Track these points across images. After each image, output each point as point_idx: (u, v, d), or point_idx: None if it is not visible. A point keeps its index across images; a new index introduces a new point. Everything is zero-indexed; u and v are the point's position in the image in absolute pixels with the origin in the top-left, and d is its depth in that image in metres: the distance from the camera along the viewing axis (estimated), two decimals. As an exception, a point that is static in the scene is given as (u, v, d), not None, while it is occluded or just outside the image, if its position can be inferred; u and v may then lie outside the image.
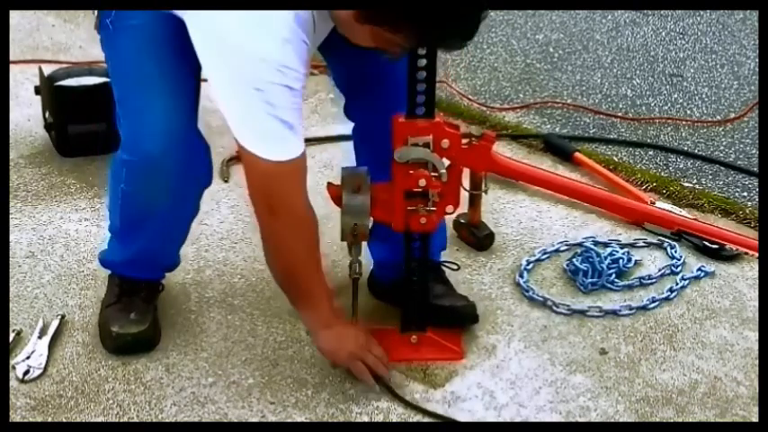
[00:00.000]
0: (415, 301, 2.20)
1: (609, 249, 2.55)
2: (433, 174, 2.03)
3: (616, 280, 2.47)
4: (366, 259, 2.22)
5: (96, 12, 2.10)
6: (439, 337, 2.22)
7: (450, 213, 2.12)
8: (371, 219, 2.10)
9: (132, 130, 2.05)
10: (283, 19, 1.81)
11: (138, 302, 2.24)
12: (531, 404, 2.08)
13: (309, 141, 3.14)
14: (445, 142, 2.03)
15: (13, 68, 3.46)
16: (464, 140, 2.09)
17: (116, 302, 2.25)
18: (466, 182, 2.29)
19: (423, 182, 2.03)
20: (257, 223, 2.00)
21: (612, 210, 2.77)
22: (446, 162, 2.06)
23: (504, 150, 3.14)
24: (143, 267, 2.26)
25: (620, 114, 3.51)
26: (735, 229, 2.68)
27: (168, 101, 2.03)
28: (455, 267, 2.37)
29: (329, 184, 2.10)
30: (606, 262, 2.48)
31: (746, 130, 3.41)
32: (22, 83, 3.46)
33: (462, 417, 2.05)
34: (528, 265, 2.53)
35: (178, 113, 2.04)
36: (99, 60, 3.54)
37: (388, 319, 2.26)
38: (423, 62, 1.99)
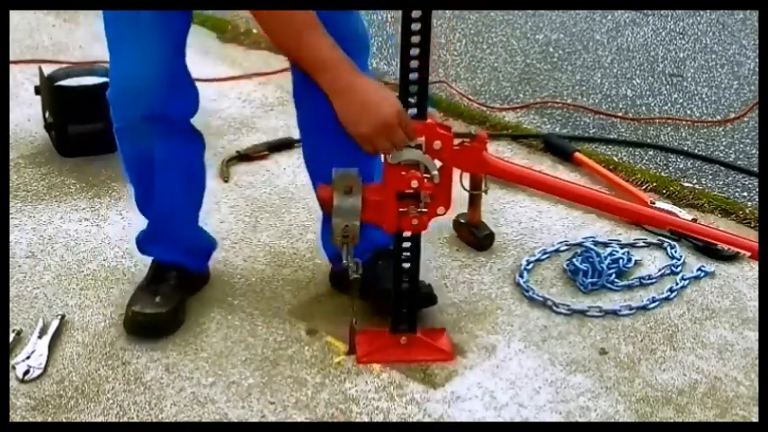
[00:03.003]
0: (404, 302, 2.20)
1: (609, 249, 2.55)
2: (425, 175, 2.03)
3: (616, 280, 2.47)
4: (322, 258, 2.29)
5: None
6: (428, 338, 2.22)
7: (441, 215, 2.11)
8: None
9: (112, 67, 2.13)
10: None
11: (165, 288, 2.29)
12: (531, 404, 2.08)
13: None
14: (437, 144, 2.03)
15: (13, 68, 3.47)
16: (457, 141, 2.09)
17: (147, 285, 2.31)
18: (466, 182, 2.29)
19: (415, 183, 2.03)
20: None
21: (607, 211, 2.75)
22: (438, 163, 2.06)
23: (505, 150, 3.14)
24: (165, 242, 2.32)
25: (620, 114, 3.51)
26: (735, 230, 2.68)
27: (148, 39, 2.07)
28: None
29: (319, 185, 2.10)
30: (606, 262, 2.48)
31: (746, 130, 3.41)
32: (22, 83, 3.46)
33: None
34: (528, 265, 2.53)
35: (158, 49, 2.09)
36: (99, 60, 3.55)
37: (387, 319, 2.25)
38: (415, 63, 1.99)
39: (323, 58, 1.93)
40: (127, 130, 2.18)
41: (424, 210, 2.07)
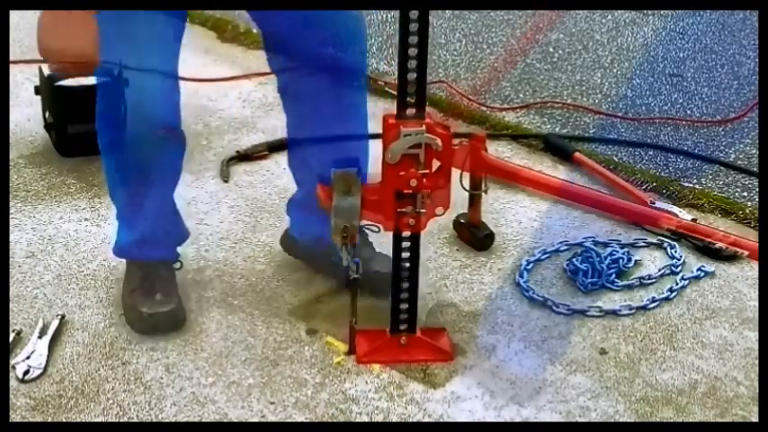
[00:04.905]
0: (404, 302, 2.19)
1: (609, 249, 2.55)
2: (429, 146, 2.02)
3: (616, 280, 2.47)
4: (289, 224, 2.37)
5: None
6: (428, 338, 2.22)
7: (439, 215, 2.11)
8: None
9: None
10: None
11: (160, 284, 2.29)
12: (531, 404, 2.08)
13: (310, 141, 3.16)
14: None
15: (13, 68, 3.45)
16: (456, 141, 2.08)
17: (140, 287, 2.29)
18: (466, 182, 2.29)
19: (413, 182, 2.03)
20: None
21: (607, 211, 2.75)
22: (437, 164, 2.05)
23: (505, 150, 3.14)
24: (154, 243, 2.30)
25: (620, 114, 3.51)
26: (735, 230, 2.68)
27: (165, 44, 2.09)
28: (376, 230, 2.30)
29: (319, 184, 2.10)
30: (606, 262, 2.48)
31: (746, 130, 3.41)
32: (22, 83, 3.46)
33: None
34: (528, 265, 2.53)
35: (174, 53, 2.11)
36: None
37: (386, 319, 2.25)
38: (413, 63, 1.98)
39: None
40: (139, 143, 2.15)
41: (422, 210, 2.07)
